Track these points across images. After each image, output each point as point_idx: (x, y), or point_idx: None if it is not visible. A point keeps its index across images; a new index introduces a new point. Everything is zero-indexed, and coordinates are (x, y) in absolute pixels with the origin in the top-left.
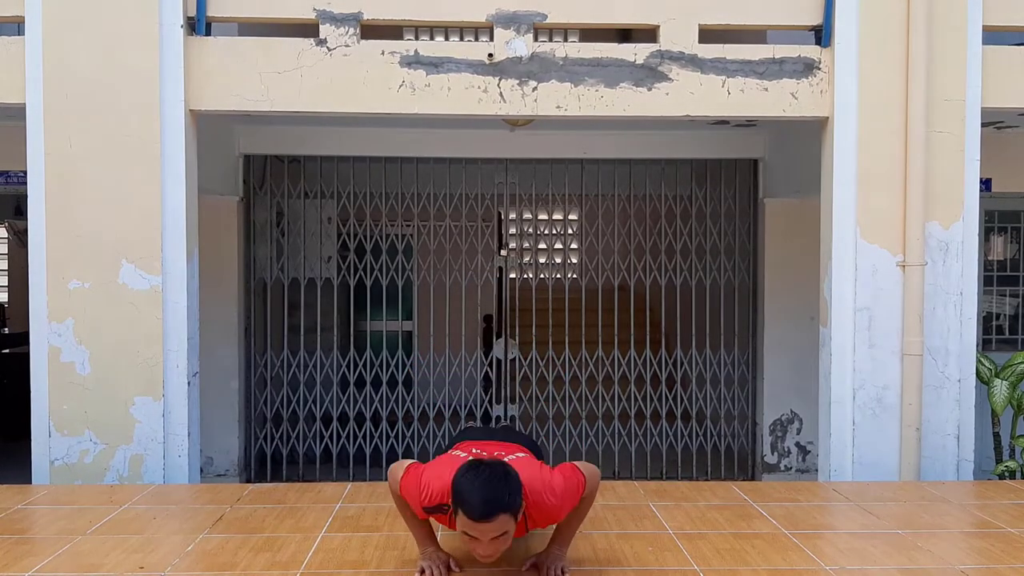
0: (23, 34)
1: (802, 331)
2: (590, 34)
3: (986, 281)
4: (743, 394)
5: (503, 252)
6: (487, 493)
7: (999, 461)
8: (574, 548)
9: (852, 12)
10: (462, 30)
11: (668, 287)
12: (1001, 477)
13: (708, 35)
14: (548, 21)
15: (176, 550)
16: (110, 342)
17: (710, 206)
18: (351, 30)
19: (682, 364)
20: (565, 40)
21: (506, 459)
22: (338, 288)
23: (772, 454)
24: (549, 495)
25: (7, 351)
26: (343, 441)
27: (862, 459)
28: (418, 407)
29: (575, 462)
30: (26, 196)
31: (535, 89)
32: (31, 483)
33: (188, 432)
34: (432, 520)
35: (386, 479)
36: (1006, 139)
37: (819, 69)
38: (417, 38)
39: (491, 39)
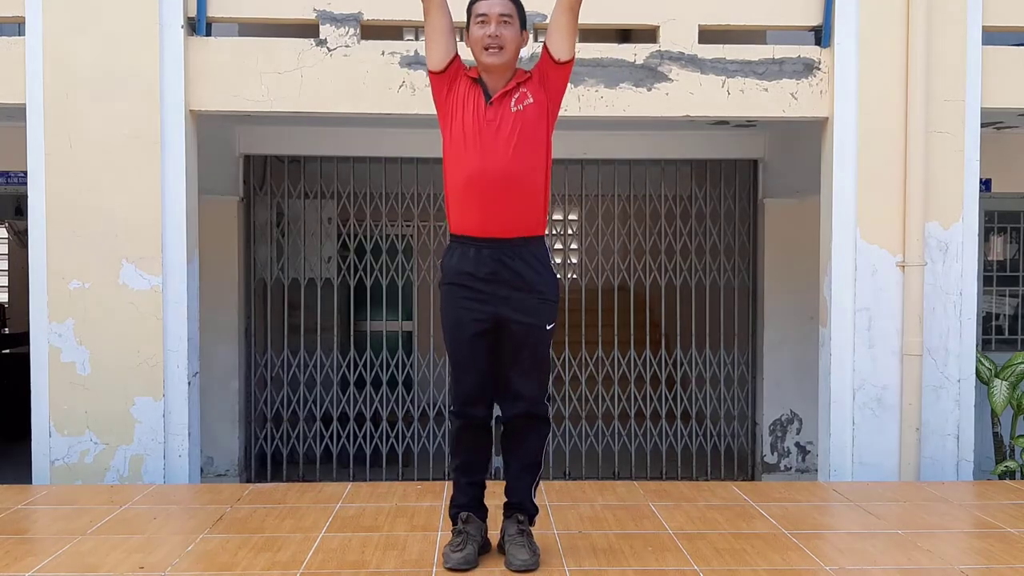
0: (23, 34)
1: (802, 331)
2: (590, 34)
3: (986, 281)
4: (743, 394)
5: None
6: None
7: (999, 461)
8: (574, 548)
9: (852, 12)
10: (462, 30)
11: (668, 287)
12: (1001, 477)
13: (708, 35)
14: (548, 21)
15: (176, 550)
16: (110, 342)
17: (710, 206)
18: (351, 30)
19: (682, 364)
20: None
21: None
22: (338, 288)
23: (772, 454)
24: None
25: (7, 351)
26: (343, 441)
27: (862, 459)
28: (418, 407)
29: None
30: (26, 196)
31: None
32: (31, 483)
33: (188, 432)
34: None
35: (386, 479)
36: (1006, 139)
37: (819, 69)
38: (417, 38)
39: None
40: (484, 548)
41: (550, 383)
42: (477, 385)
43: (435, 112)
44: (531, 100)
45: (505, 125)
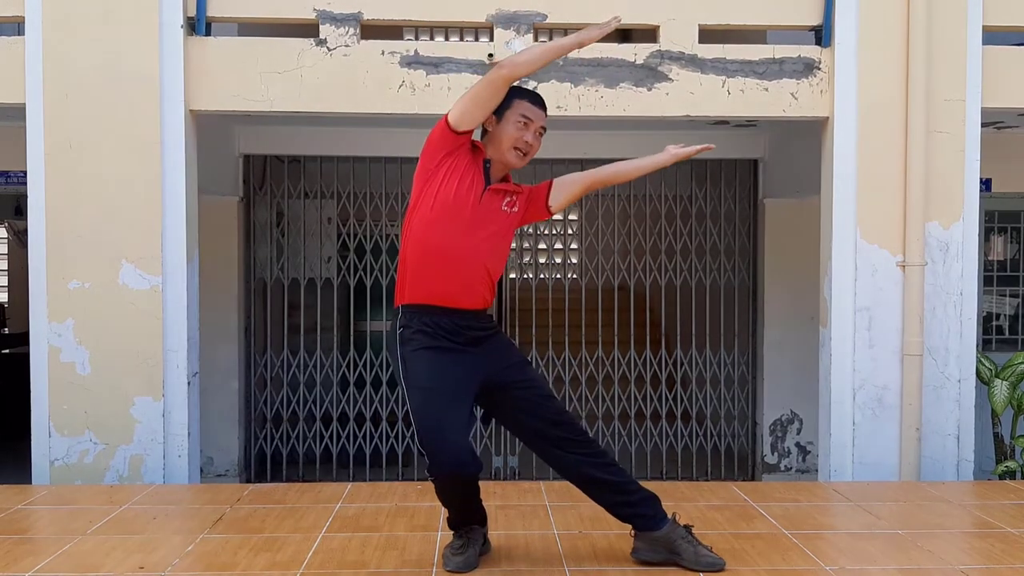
0: (23, 34)
1: (802, 331)
2: None
3: (986, 281)
4: (743, 394)
5: None
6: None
7: (999, 461)
8: (574, 548)
9: (852, 12)
10: (462, 30)
11: (668, 287)
12: (1001, 477)
13: (708, 35)
14: (548, 21)
15: (176, 550)
16: (110, 342)
17: (710, 206)
18: (351, 30)
19: (682, 364)
20: None
21: None
22: (338, 288)
23: (772, 454)
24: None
25: (7, 351)
26: (343, 441)
27: (862, 459)
28: None
29: None
30: (26, 196)
31: (535, 89)
32: (31, 483)
33: (188, 432)
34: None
35: (386, 479)
36: (1006, 139)
37: (819, 69)
38: (417, 38)
39: (491, 39)
40: (484, 550)
41: (550, 383)
42: (469, 440)
43: (434, 113)
44: (516, 210)
45: (493, 216)
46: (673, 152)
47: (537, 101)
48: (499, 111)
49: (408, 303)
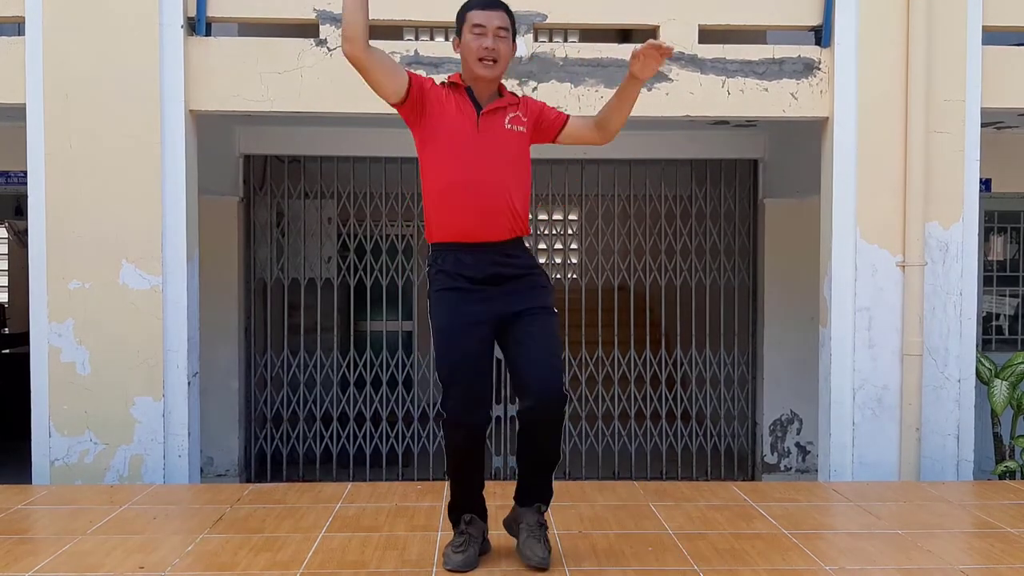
0: (23, 34)
1: (802, 331)
2: (590, 34)
3: (986, 281)
4: (743, 394)
5: None
6: None
7: (999, 461)
8: (574, 548)
9: (852, 12)
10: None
11: (668, 287)
12: (1001, 477)
13: (708, 35)
14: (548, 21)
15: (176, 550)
16: (110, 342)
17: (710, 206)
18: None
19: (682, 364)
20: (565, 40)
21: None
22: (338, 288)
23: (772, 454)
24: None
25: (7, 351)
26: (343, 441)
27: (862, 459)
28: (418, 407)
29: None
30: (26, 196)
31: (535, 89)
32: (31, 483)
33: (188, 432)
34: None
35: (386, 479)
36: (1006, 139)
37: (819, 69)
38: (417, 38)
39: None
40: (484, 549)
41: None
42: (481, 388)
43: None
44: (523, 129)
45: (499, 138)
46: (640, 58)
47: (487, 4)
48: (458, 31)
49: (433, 241)
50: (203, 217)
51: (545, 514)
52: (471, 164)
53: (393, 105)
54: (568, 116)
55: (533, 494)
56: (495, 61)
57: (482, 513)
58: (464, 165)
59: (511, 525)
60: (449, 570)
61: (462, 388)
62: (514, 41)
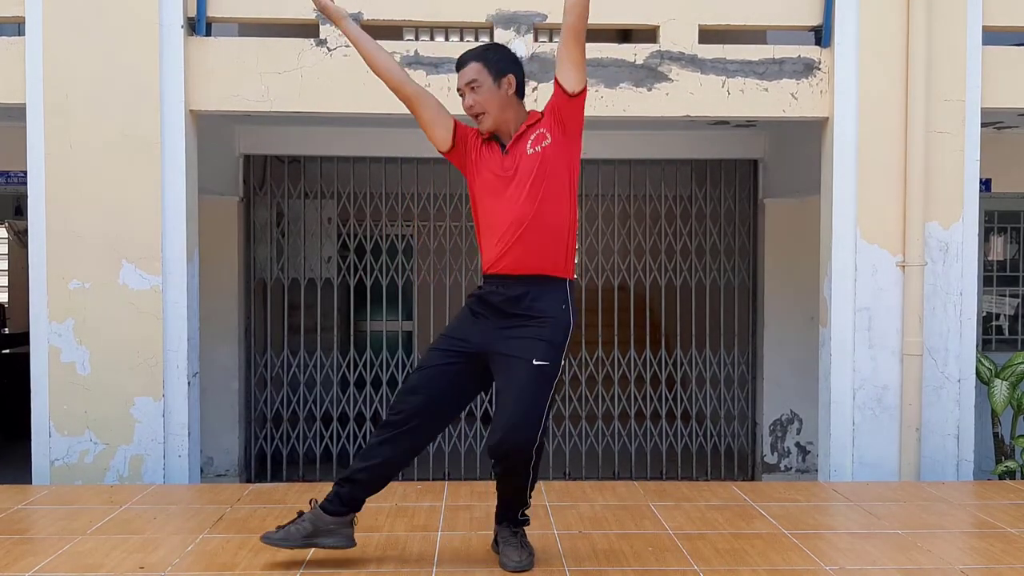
0: (23, 34)
1: (802, 331)
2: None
3: (986, 281)
4: (743, 394)
5: None
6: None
7: (999, 461)
8: (574, 548)
9: (852, 12)
10: (462, 30)
11: (668, 287)
12: (1001, 477)
13: (708, 35)
14: (548, 22)
15: (176, 550)
16: (110, 342)
17: (710, 206)
18: None
19: (682, 364)
20: None
21: None
22: (338, 288)
23: (772, 454)
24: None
25: (7, 351)
26: (343, 441)
27: (862, 459)
28: None
29: None
30: (26, 196)
31: (535, 89)
32: (31, 483)
33: (188, 432)
34: None
35: None
36: (1006, 139)
37: (819, 69)
38: (417, 38)
39: (491, 39)
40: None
41: (544, 419)
42: (427, 402)
43: None
44: (549, 140)
45: (520, 169)
46: None
47: (457, 64)
48: None
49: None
50: (203, 217)
51: (533, 517)
52: (494, 204)
53: (441, 152)
54: (555, 79)
55: (507, 516)
56: (481, 114)
57: (356, 506)
58: (489, 205)
59: (495, 544)
60: (266, 541)
61: (407, 401)
62: (504, 74)
